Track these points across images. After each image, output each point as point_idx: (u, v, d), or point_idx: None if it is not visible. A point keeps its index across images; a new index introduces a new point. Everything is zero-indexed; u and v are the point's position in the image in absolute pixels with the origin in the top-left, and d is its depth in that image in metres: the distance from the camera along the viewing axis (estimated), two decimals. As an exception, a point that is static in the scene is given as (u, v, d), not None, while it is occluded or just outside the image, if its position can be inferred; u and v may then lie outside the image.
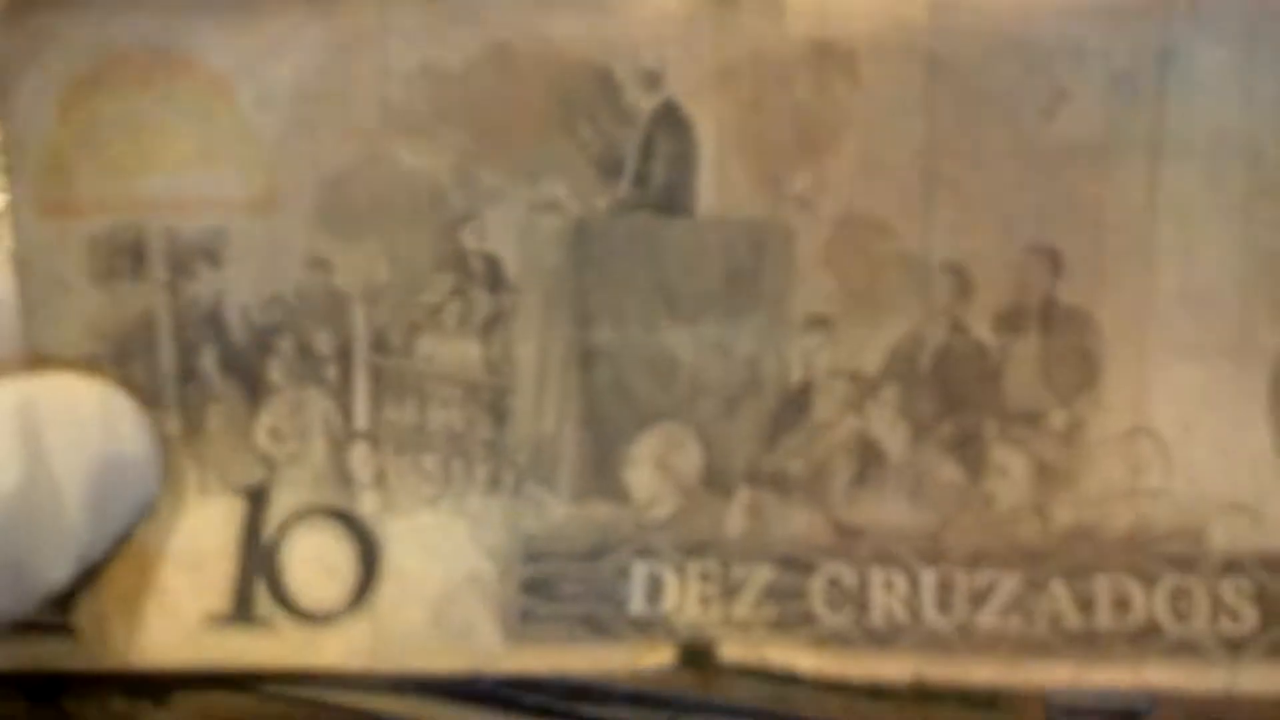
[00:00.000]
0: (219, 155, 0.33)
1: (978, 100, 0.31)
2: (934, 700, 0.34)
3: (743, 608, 0.32)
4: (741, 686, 0.34)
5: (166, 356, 0.34)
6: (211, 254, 0.33)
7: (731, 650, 0.32)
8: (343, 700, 0.35)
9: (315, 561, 0.33)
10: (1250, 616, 0.31)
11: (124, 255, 0.33)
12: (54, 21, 0.32)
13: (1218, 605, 0.31)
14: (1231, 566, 0.31)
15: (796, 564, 0.32)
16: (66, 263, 0.33)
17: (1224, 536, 0.31)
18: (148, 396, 0.33)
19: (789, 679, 0.33)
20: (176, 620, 0.33)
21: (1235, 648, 0.31)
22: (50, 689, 0.35)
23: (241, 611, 0.33)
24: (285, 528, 0.33)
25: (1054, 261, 0.31)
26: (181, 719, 0.36)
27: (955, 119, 0.31)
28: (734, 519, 0.33)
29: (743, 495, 0.33)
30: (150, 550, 0.33)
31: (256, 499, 0.34)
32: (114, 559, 0.33)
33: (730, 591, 0.32)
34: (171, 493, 0.34)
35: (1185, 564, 0.31)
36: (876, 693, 0.34)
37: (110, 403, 0.32)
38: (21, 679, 0.34)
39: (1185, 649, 0.31)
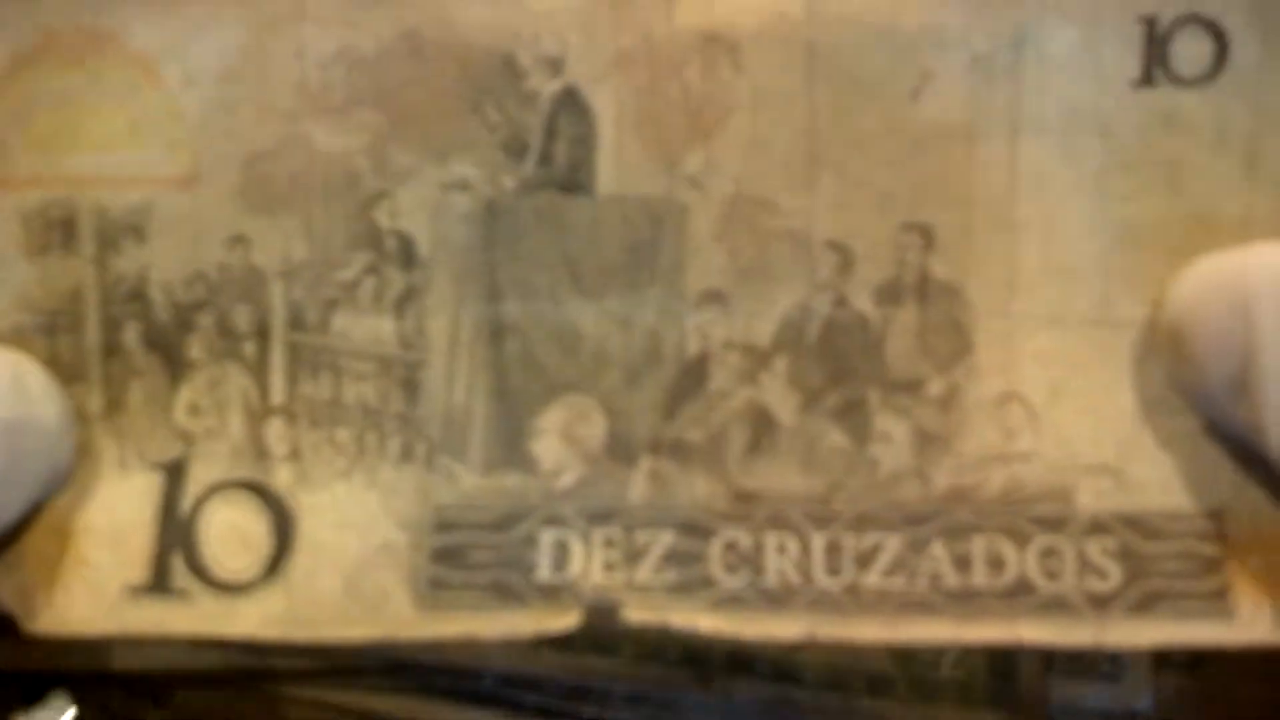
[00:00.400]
0: (145, 133, 0.34)
1: (852, 85, 0.33)
2: (935, 699, 0.35)
3: (645, 573, 0.33)
4: (741, 685, 0.36)
5: (92, 331, 0.35)
6: (137, 230, 0.34)
7: (635, 614, 0.33)
8: (343, 700, 0.36)
9: (231, 534, 0.34)
10: (1115, 574, 0.32)
11: (55, 230, 0.34)
12: None
13: (1085, 564, 0.33)
14: (1097, 526, 0.33)
15: (696, 529, 0.33)
16: (3, 235, 0.34)
17: (1090, 497, 0.33)
18: (73, 371, 0.34)
19: (785, 675, 0.35)
20: (97, 592, 0.34)
21: (1101, 604, 0.32)
22: (50, 688, 0.36)
23: (160, 583, 0.34)
24: (202, 501, 0.34)
25: (927, 237, 0.33)
26: (181, 719, 0.37)
27: (833, 103, 0.33)
28: (637, 487, 0.34)
29: (645, 464, 0.34)
30: (71, 524, 0.34)
31: (174, 473, 0.35)
32: (35, 532, 0.34)
33: (633, 557, 0.33)
34: (91, 468, 0.34)
35: (1054, 524, 0.33)
36: (877, 690, 0.35)
37: (22, 370, 0.33)
38: (22, 678, 0.35)
39: (1055, 606, 0.32)
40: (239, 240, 0.34)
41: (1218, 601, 0.32)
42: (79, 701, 0.36)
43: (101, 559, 0.34)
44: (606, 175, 0.34)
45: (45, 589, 0.34)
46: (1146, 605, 0.32)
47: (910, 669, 0.35)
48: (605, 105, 0.33)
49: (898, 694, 0.35)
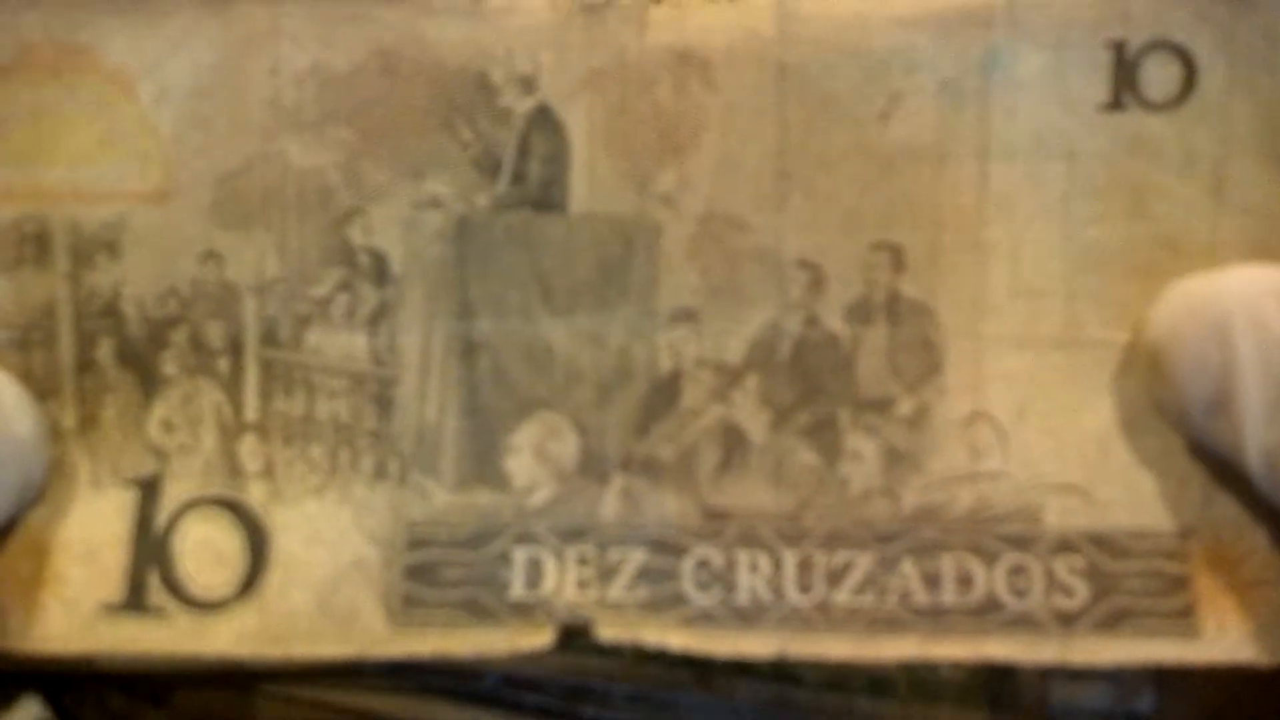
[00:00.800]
0: (119, 148, 0.33)
1: (823, 105, 0.33)
2: (935, 699, 0.35)
3: (617, 590, 0.33)
4: (741, 686, 0.36)
5: (65, 347, 0.34)
6: (111, 245, 0.34)
7: (607, 631, 0.33)
8: (342, 700, 0.36)
9: (205, 550, 0.33)
10: (1081, 592, 0.32)
11: (28, 244, 0.34)
12: None
13: (1052, 582, 0.32)
14: (1064, 545, 0.32)
15: (668, 547, 0.33)
16: None
17: (1057, 516, 0.32)
18: (46, 387, 0.34)
19: (786, 675, 0.34)
20: (72, 609, 0.33)
21: (1067, 622, 0.32)
22: (50, 688, 0.35)
23: (135, 600, 0.33)
24: (176, 518, 0.34)
25: (897, 257, 0.33)
26: (180, 719, 0.37)
27: (803, 123, 0.33)
28: (609, 504, 0.33)
29: (617, 481, 0.33)
30: (45, 541, 0.33)
31: (148, 490, 0.34)
32: (9, 550, 0.33)
33: (606, 575, 0.33)
34: (65, 484, 0.34)
35: (1022, 543, 0.33)
36: (878, 691, 0.35)
37: None
38: (21, 678, 0.34)
39: (1022, 623, 0.32)
40: (212, 256, 0.34)
41: (1183, 620, 0.32)
42: (78, 702, 0.35)
43: (76, 576, 0.33)
44: (579, 193, 0.33)
45: (20, 607, 0.33)
46: (1112, 623, 0.32)
47: (911, 670, 0.35)
48: (578, 123, 0.33)
49: (898, 695, 0.34)
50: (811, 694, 0.34)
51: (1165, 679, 0.34)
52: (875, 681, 0.35)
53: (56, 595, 0.33)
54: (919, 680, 0.35)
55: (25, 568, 0.33)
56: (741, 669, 0.35)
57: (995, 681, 0.35)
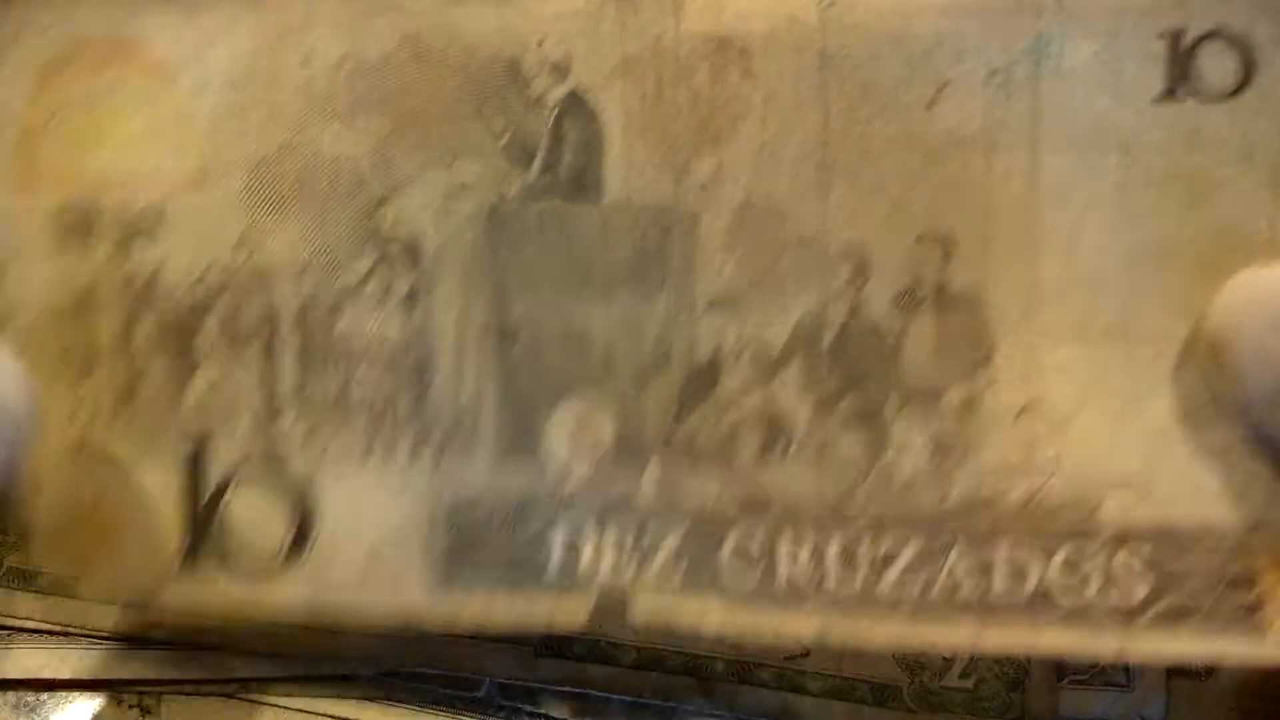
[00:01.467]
0: (159, 137, 0.34)
1: (866, 94, 0.32)
2: (938, 708, 0.35)
3: (654, 572, 0.33)
4: (743, 693, 0.36)
5: (106, 328, 0.35)
6: (150, 231, 0.34)
7: (644, 610, 0.33)
8: (335, 710, 0.37)
9: (249, 526, 0.34)
10: (1140, 587, 0.32)
11: (73, 230, 0.35)
12: (28, 12, 0.34)
13: (1109, 576, 0.32)
14: (1123, 538, 0.32)
15: (706, 531, 0.33)
16: (26, 234, 0.35)
17: (1115, 509, 0.32)
18: (86, 366, 0.35)
19: (790, 684, 0.34)
20: (129, 581, 0.35)
21: (1126, 617, 0.31)
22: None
23: (187, 571, 0.34)
24: (219, 495, 0.34)
25: (945, 246, 0.32)
26: None
27: (846, 112, 0.32)
28: (647, 486, 0.33)
29: (655, 463, 0.33)
30: (100, 518, 0.35)
31: (191, 468, 0.35)
32: (64, 525, 0.34)
33: (643, 555, 0.33)
34: (108, 463, 0.35)
35: (1078, 536, 0.32)
36: (882, 700, 0.35)
37: None
38: (18, 686, 0.35)
39: (1078, 617, 0.31)
40: (247, 241, 0.34)
41: (1248, 618, 0.31)
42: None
43: (131, 550, 0.34)
44: (613, 182, 0.33)
45: (83, 580, 0.35)
46: (1173, 620, 0.31)
47: (919, 678, 0.35)
48: (612, 111, 0.33)
49: (903, 704, 0.34)
50: (815, 702, 0.34)
51: (1176, 687, 0.33)
52: (879, 690, 0.34)
53: (114, 569, 0.34)
54: (924, 690, 0.34)
55: (85, 543, 0.34)
56: (743, 677, 0.34)
57: (1004, 691, 0.34)
